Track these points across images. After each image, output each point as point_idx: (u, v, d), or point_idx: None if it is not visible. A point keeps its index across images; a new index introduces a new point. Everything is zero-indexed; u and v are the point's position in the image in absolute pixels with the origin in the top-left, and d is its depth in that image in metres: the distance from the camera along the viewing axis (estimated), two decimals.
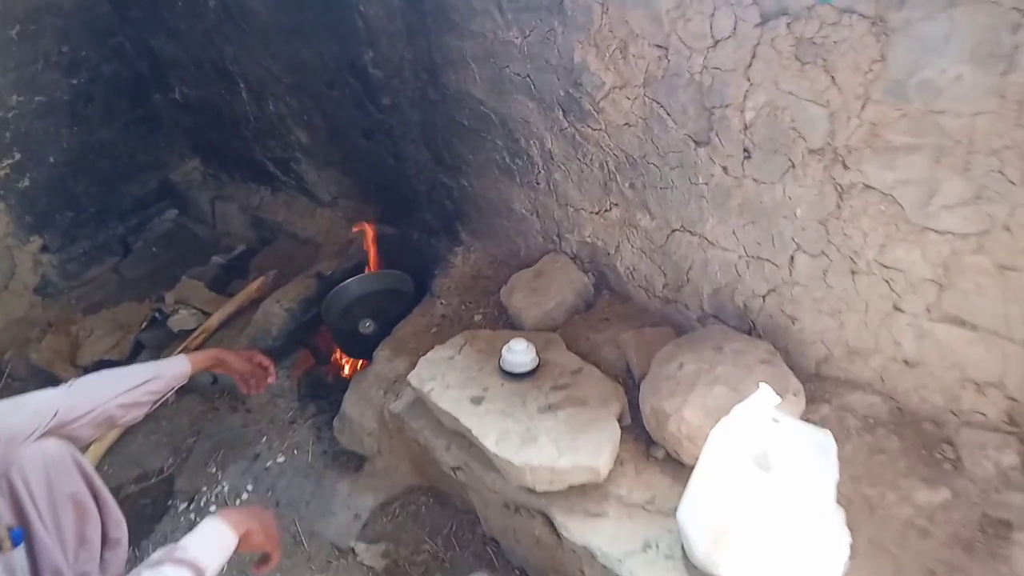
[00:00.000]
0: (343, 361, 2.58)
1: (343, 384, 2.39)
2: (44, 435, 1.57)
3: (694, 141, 1.66)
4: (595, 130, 1.85)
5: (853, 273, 1.54)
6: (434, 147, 2.34)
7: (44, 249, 3.27)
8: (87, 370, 2.83)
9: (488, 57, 1.94)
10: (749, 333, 1.81)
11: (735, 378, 1.59)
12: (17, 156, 3.05)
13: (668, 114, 1.67)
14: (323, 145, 2.69)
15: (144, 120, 3.42)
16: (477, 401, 1.79)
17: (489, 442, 1.66)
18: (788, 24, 1.36)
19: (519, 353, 1.84)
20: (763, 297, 1.75)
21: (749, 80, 1.47)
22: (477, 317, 2.30)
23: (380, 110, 2.19)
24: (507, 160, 2.15)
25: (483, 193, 2.34)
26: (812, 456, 1.34)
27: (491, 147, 2.17)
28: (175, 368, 1.82)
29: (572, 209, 2.10)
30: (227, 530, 1.43)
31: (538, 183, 2.13)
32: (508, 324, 2.22)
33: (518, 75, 1.92)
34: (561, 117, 1.91)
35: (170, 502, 2.35)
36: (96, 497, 1.68)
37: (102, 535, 1.71)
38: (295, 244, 3.14)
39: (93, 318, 3.12)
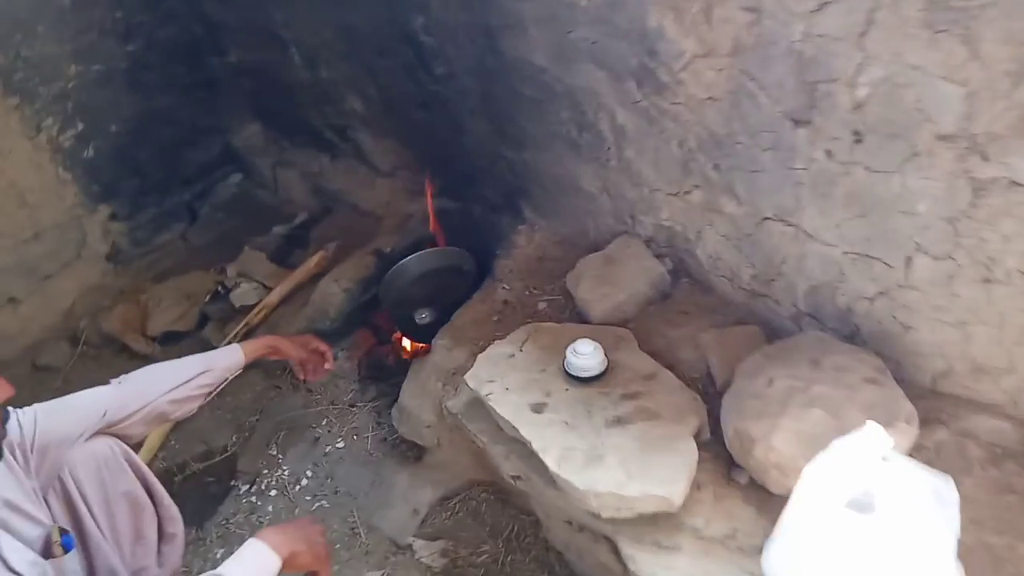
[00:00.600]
0: (403, 343, 2.48)
1: (404, 365, 2.31)
2: (94, 435, 1.56)
3: (792, 120, 1.42)
4: (673, 104, 1.63)
5: (987, 281, 1.29)
6: (495, 119, 2.14)
7: (113, 217, 3.29)
8: (155, 340, 2.86)
9: (550, 21, 1.72)
10: (852, 339, 1.58)
11: (835, 401, 1.37)
12: (80, 127, 3.03)
13: (761, 88, 1.43)
14: (378, 114, 2.54)
15: (203, 85, 3.35)
16: (538, 409, 1.64)
17: (550, 459, 1.51)
18: None
19: (585, 356, 1.67)
20: (871, 300, 1.51)
21: (863, 51, 1.22)
22: (541, 305, 2.13)
23: (434, 79, 2.01)
24: (574, 134, 1.95)
25: (548, 169, 2.14)
26: (927, 505, 1.14)
27: (555, 120, 1.96)
28: (228, 359, 1.81)
29: (647, 190, 1.88)
30: (270, 553, 1.37)
31: (608, 160, 1.92)
32: (574, 314, 2.04)
33: (584, 41, 1.70)
34: (634, 89, 1.69)
35: (233, 482, 2.34)
36: (151, 493, 1.69)
37: (158, 530, 1.70)
38: (355, 215, 3.03)
39: (161, 287, 3.13)
